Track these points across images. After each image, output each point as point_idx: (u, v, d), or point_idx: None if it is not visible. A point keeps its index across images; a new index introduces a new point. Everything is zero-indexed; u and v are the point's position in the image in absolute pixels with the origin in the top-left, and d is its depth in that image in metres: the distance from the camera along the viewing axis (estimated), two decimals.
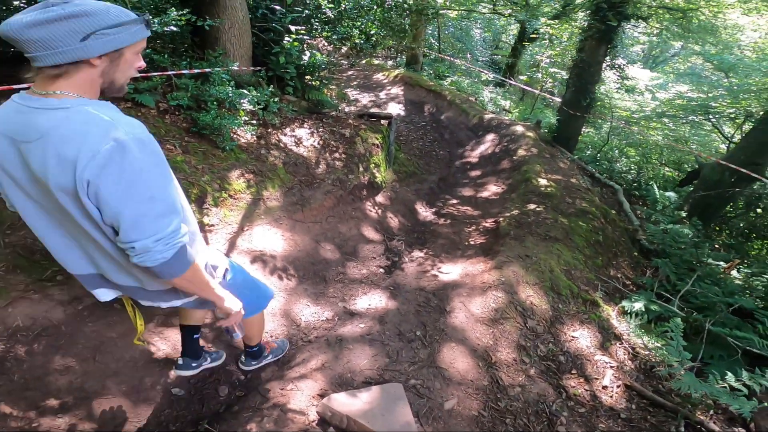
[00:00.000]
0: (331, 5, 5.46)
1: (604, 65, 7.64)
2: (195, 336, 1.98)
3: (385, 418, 1.81)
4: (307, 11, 5.42)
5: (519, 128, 7.46)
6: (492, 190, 5.95)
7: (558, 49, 10.69)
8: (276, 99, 4.61)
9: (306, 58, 5.18)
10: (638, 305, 3.27)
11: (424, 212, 5.11)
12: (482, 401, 2.11)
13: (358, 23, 6.24)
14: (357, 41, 6.97)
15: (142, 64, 1.14)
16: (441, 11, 11.05)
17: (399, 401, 1.92)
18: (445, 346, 2.41)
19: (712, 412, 2.48)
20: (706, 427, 2.28)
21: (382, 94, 11.24)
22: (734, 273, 4.80)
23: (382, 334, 2.50)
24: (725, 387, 2.39)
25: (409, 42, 10.15)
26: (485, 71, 12.88)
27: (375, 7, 6.26)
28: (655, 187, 7.28)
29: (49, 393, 1.80)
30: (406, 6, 6.84)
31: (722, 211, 7.27)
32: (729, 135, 11.91)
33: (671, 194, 7.39)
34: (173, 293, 1.38)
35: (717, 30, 12.00)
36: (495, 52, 17.47)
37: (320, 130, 4.93)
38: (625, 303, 3.36)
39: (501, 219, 4.56)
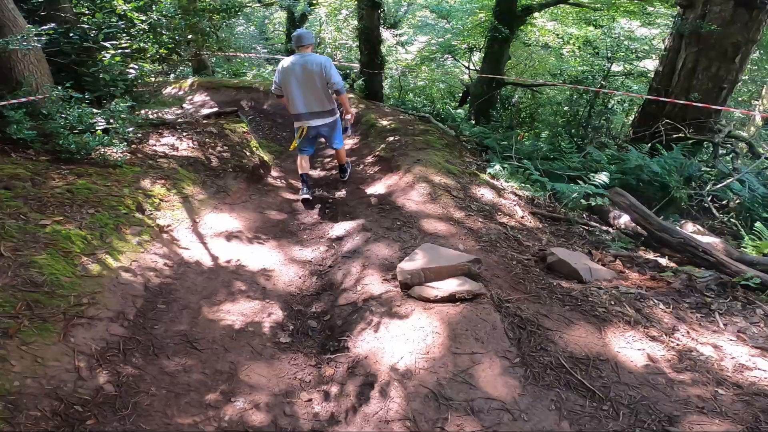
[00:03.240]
0: (142, 17, 5.27)
1: (381, 28, 9.28)
2: (344, 167, 4.80)
3: (442, 257, 2.64)
4: (121, 24, 5.14)
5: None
6: (350, 143, 6.91)
7: (336, 23, 12.11)
8: (123, 116, 4.45)
9: (134, 72, 5.01)
10: (497, 167, 4.78)
11: (313, 172, 5.75)
12: (474, 240, 3.12)
13: (174, 32, 6.10)
14: (167, 49, 6.76)
15: None
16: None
17: (438, 249, 2.76)
18: (422, 222, 3.32)
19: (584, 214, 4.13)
20: (588, 225, 3.87)
21: (187, 105, 10.75)
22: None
23: (377, 236, 3.23)
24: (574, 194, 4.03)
25: (200, 46, 9.97)
26: (281, 56, 13.51)
27: (180, 12, 6.18)
28: (450, 109, 9.48)
29: None
30: (211, 7, 6.91)
31: (492, 111, 10.01)
32: (467, 65, 15.69)
33: (461, 111, 9.75)
34: (336, 125, 4.30)
35: None
36: (270, 43, 18.11)
37: (185, 135, 4.96)
38: (489, 170, 4.86)
39: (378, 152, 5.59)
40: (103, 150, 3.79)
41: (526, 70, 14.10)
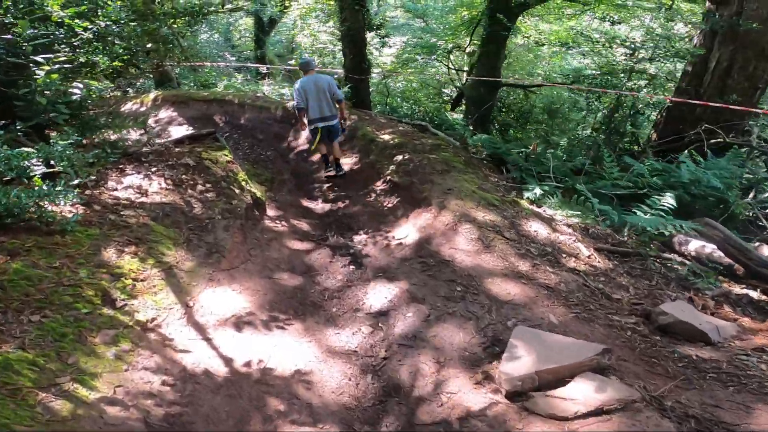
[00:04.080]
0: (83, 25, 4.25)
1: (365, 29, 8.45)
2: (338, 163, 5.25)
3: (554, 350, 1.90)
4: (57, 33, 4.11)
5: None
6: (348, 162, 6.06)
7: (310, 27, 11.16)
8: (69, 151, 3.46)
9: (78, 91, 4.01)
10: (536, 190, 4.07)
11: (316, 205, 4.87)
12: (562, 305, 2.37)
13: (119, 43, 5.06)
14: (123, 61, 5.70)
15: None
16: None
17: (540, 336, 2.02)
18: (487, 284, 2.54)
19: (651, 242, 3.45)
20: (660, 257, 3.19)
21: (151, 122, 9.60)
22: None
23: (437, 311, 2.43)
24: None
25: (162, 56, 8.86)
26: (254, 65, 12.39)
27: (136, 18, 5.15)
28: (447, 116, 8.76)
29: None
30: (173, 11, 5.87)
31: (489, 115, 9.36)
32: (451, 66, 15.07)
33: (458, 116, 9.06)
34: (338, 126, 5.08)
35: None
36: (237, 50, 16.93)
37: (154, 170, 3.99)
38: (527, 194, 4.13)
39: (389, 176, 4.78)
40: (44, 206, 2.81)
41: (519, 70, 13.64)
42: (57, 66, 3.70)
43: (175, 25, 6.78)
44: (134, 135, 5.12)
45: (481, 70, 8.58)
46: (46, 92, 3.60)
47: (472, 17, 12.14)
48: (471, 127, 8.69)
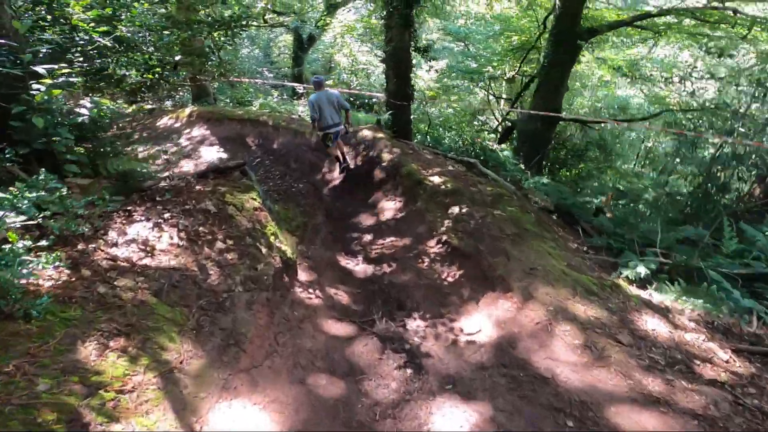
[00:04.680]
0: (100, 30, 3.68)
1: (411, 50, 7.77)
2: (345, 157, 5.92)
3: None
4: (60, 40, 3.55)
5: (367, 133, 6.97)
6: (390, 206, 5.31)
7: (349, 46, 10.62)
8: (61, 192, 2.82)
9: (86, 111, 3.39)
10: (641, 270, 3.16)
11: (356, 265, 4.09)
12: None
13: (147, 52, 4.52)
14: (154, 74, 5.16)
15: None
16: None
17: None
18: (610, 415, 1.68)
19: None
20: None
21: (183, 140, 9.21)
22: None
23: None
24: None
25: (197, 69, 8.47)
26: (291, 83, 11.95)
27: (169, 25, 4.61)
28: (498, 151, 7.92)
29: None
30: (211, 20, 5.33)
31: (546, 153, 8.46)
32: (495, 93, 14.28)
33: (507, 153, 8.20)
34: (342, 129, 5.71)
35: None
36: (275, 67, 16.70)
37: (167, 216, 3.32)
38: (626, 272, 3.23)
39: (445, 236, 3.97)
40: (10, 278, 2.11)
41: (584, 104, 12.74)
42: (62, 79, 3.10)
43: (214, 36, 6.29)
44: (151, 170, 4.52)
45: (539, 103, 7.75)
46: (43, 112, 2.99)
47: (522, 43, 11.38)
48: (523, 166, 7.86)
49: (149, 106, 12.44)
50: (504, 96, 14.26)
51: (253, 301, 2.80)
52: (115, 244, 2.89)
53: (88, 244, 2.82)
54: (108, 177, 3.88)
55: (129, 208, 3.39)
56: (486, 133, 14.33)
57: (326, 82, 5.86)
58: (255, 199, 3.84)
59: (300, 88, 11.59)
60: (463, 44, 14.35)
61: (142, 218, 3.23)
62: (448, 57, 13.85)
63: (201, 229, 3.25)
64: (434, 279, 3.63)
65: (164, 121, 10.75)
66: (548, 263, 3.09)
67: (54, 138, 3.07)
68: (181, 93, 13.06)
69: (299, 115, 9.09)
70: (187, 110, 10.37)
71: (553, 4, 7.68)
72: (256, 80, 11.47)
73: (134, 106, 10.98)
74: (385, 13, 7.07)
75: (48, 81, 2.96)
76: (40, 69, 2.96)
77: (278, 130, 8.16)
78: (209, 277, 2.90)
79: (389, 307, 3.44)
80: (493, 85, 14.32)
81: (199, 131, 9.43)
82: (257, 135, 8.34)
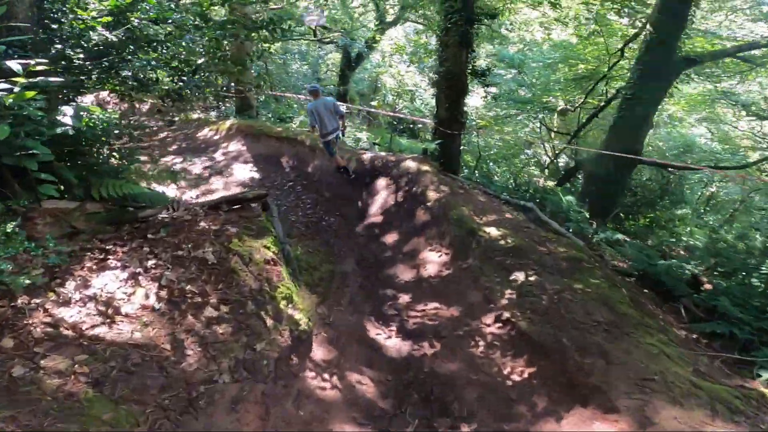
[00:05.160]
0: (103, 20, 3.07)
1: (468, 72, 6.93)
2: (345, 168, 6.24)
3: None
4: (47, 35, 2.97)
5: (410, 164, 6.13)
6: (434, 259, 4.40)
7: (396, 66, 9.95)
8: (14, 224, 2.13)
9: (69, 120, 2.73)
10: None
11: (388, 339, 3.20)
12: None
13: (168, 54, 3.93)
14: (172, 84, 4.59)
15: None
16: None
17: None
18: None
19: None
20: None
21: (218, 155, 8.78)
22: None
23: None
24: None
25: (238, 78, 8.05)
26: (340, 103, 11.43)
27: (198, 23, 4.00)
28: (560, 195, 6.87)
29: None
30: (244, 23, 4.72)
31: (617, 200, 7.31)
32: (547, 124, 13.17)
33: (571, 198, 7.11)
34: (339, 135, 5.99)
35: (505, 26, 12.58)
36: (322, 84, 16.41)
37: (150, 263, 2.58)
38: (766, 374, 2.17)
39: (507, 313, 3.01)
40: None
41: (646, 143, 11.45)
42: (43, 80, 2.47)
43: (254, 40, 5.74)
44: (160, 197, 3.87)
45: (615, 141, 6.67)
46: (14, 118, 2.36)
47: (590, 72, 10.32)
48: (587, 214, 6.76)
49: (197, 115, 12.32)
50: (555, 129, 13.20)
51: (241, 397, 1.96)
52: (67, 302, 2.16)
53: (32, 299, 2.11)
54: (102, 200, 3.25)
55: (109, 246, 2.70)
56: (533, 168, 13.26)
57: (321, 90, 6.18)
58: (269, 248, 3.05)
59: (343, 107, 11.03)
60: (515, 71, 13.44)
61: (118, 264, 2.51)
62: (499, 84, 12.98)
63: (190, 287, 2.48)
64: (493, 374, 2.68)
65: (204, 133, 10.45)
66: (667, 369, 2.09)
67: (21, 151, 2.43)
68: (228, 104, 12.88)
69: (339, 137, 8.46)
70: (228, 123, 10.01)
71: (639, 31, 6.70)
72: (300, 96, 11.00)
73: (170, 115, 10.71)
74: (441, 29, 6.31)
75: (22, 80, 2.33)
76: (16, 65, 2.34)
77: (314, 151, 7.52)
78: (184, 359, 2.10)
79: (428, 411, 2.53)
80: (542, 116, 13.28)
81: (236, 146, 8.99)
82: (293, 155, 7.73)
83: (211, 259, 2.69)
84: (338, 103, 6.12)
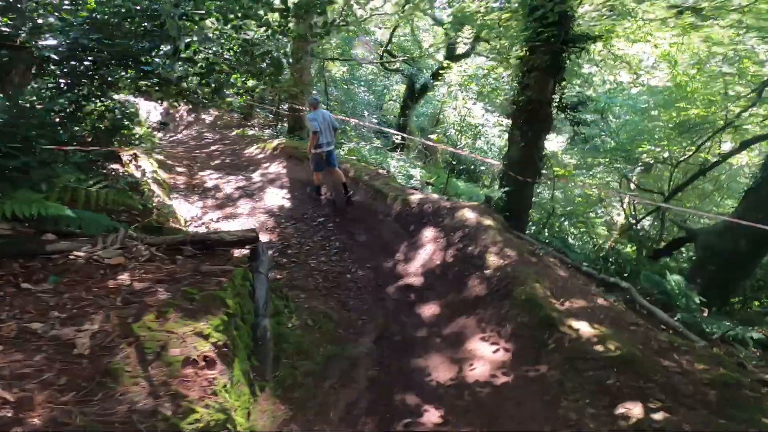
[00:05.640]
0: None
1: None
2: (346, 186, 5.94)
3: None
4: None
5: (468, 214, 4.79)
6: (486, 353, 3.00)
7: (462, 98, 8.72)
8: None
9: None
10: None
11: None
12: None
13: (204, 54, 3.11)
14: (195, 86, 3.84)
15: None
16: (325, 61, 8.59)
17: None
18: None
19: None
20: None
21: (256, 175, 8.04)
22: None
23: None
24: None
25: (290, 88, 7.30)
26: (392, 131, 10.44)
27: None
28: (669, 275, 5.14)
29: None
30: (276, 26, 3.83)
31: (741, 284, 5.43)
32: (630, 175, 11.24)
33: (677, 277, 5.36)
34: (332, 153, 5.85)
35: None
36: (383, 114, 15.71)
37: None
38: None
39: None
40: None
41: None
42: None
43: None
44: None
45: (752, 210, 4.92)
46: None
47: (706, 120, 8.43)
48: (698, 299, 4.97)
49: (252, 132, 11.97)
50: (636, 184, 11.27)
51: None
52: None
53: None
54: (19, 221, 2.29)
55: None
56: (601, 228, 11.34)
57: (320, 102, 6.22)
58: (208, 336, 1.83)
59: (398, 137, 10.00)
60: (597, 116, 11.78)
61: None
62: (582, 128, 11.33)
63: (14, 395, 1.33)
64: None
65: (251, 150, 9.91)
66: None
67: None
68: (283, 123, 12.42)
69: (389, 171, 7.33)
70: (275, 142, 9.38)
71: None
72: (355, 120, 10.13)
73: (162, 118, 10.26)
74: (526, 49, 5.06)
75: None
76: None
77: (357, 184, 6.45)
78: None
79: None
80: (624, 168, 11.41)
81: (276, 168, 8.22)
82: (332, 185, 6.72)
83: (83, 346, 1.54)
84: (335, 117, 6.05)
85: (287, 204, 6.44)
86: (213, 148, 10.95)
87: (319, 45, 11.56)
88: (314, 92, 6.29)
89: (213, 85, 3.83)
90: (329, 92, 11.44)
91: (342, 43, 12.09)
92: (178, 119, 14.61)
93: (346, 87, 14.44)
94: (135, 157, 6.98)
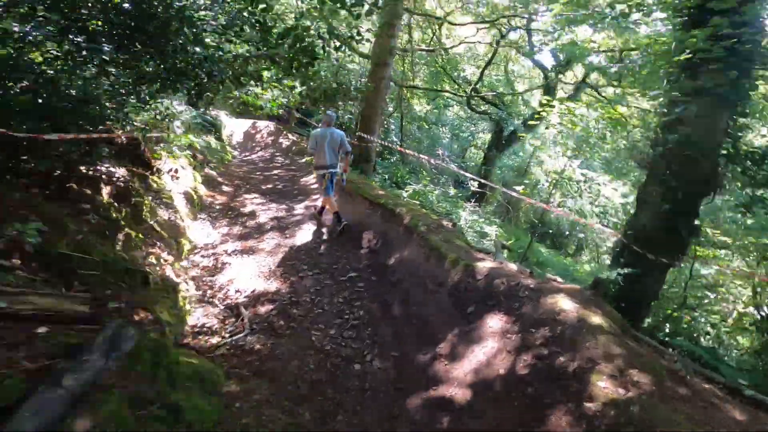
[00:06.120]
0: None
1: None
2: (338, 215, 5.54)
3: None
4: None
5: (565, 304, 2.99)
6: None
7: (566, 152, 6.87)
8: None
9: None
10: None
11: None
12: None
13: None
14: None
15: None
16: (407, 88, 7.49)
17: None
18: None
19: None
20: None
21: (300, 207, 6.95)
22: None
23: None
24: None
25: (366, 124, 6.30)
26: (468, 174, 8.88)
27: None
28: None
29: None
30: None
31: None
32: None
33: None
34: (336, 174, 5.55)
35: None
36: (464, 160, 14.25)
37: None
38: None
39: None
40: None
41: None
42: None
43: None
44: None
45: None
46: None
47: None
48: None
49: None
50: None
51: None
52: None
53: None
54: None
55: None
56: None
57: (334, 120, 5.71)
58: None
59: (474, 184, 8.41)
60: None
61: None
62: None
63: None
64: None
65: (308, 179, 9.04)
66: None
67: None
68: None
69: (454, 223, 5.74)
70: None
71: None
72: (425, 157, 8.75)
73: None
74: (678, 66, 3.34)
75: None
76: None
77: (411, 234, 4.95)
78: None
79: None
80: None
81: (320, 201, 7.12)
82: (378, 233, 5.31)
83: None
84: (347, 139, 5.70)
85: (320, 247, 5.16)
86: (275, 171, 10.31)
87: (405, 78, 10.64)
88: (330, 111, 5.94)
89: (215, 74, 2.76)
90: (405, 128, 10.34)
91: (429, 78, 11.07)
92: (258, 139, 14.63)
93: (427, 127, 13.36)
94: (175, 169, 6.33)
